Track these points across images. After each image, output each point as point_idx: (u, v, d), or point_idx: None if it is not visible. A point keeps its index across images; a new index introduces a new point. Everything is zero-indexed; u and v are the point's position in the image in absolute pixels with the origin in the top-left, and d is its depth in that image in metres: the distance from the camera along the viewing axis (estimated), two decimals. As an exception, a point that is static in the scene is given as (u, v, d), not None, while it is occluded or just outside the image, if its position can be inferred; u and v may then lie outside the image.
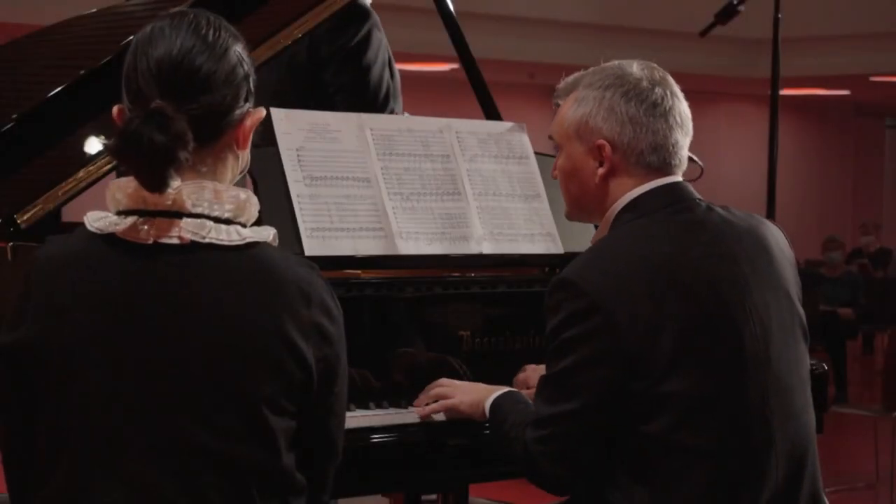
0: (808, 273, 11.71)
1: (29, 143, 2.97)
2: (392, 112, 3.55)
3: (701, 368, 2.29)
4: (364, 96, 3.50)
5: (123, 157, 1.85)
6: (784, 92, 6.13)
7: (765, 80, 6.03)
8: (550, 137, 2.56)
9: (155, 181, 1.85)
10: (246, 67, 1.97)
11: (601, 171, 2.45)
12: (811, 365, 3.08)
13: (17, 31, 3.79)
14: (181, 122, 1.84)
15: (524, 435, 2.37)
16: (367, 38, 3.53)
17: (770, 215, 4.92)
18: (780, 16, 4.91)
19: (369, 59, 3.53)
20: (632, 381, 2.27)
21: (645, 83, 2.44)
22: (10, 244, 2.72)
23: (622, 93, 2.43)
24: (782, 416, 2.36)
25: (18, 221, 2.75)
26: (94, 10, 3.49)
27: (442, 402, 2.65)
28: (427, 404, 2.68)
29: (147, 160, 1.83)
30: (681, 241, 2.37)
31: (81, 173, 2.80)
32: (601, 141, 2.44)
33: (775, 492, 2.34)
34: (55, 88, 3.00)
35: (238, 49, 1.96)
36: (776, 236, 2.49)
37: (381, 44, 3.57)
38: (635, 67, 2.46)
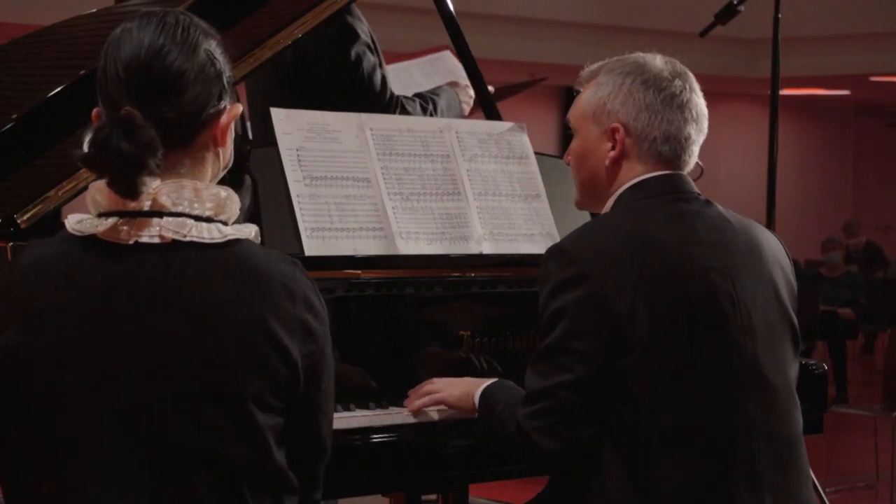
0: (808, 273, 11.71)
1: (29, 142, 2.96)
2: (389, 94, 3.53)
3: (682, 351, 2.31)
4: (360, 89, 3.49)
5: (93, 165, 1.84)
6: (784, 92, 6.13)
7: (765, 80, 6.02)
8: (567, 121, 2.59)
9: (126, 188, 1.83)
10: (218, 65, 1.93)
11: (612, 153, 2.48)
12: (811, 365, 3.09)
13: (17, 31, 3.79)
14: (149, 130, 1.82)
15: (516, 412, 2.38)
16: (344, 26, 3.52)
17: (770, 215, 4.91)
18: (779, 16, 4.90)
19: (356, 50, 3.51)
20: (616, 357, 2.29)
21: (665, 74, 2.49)
22: (10, 244, 2.72)
23: (642, 80, 2.47)
24: (765, 409, 2.37)
25: (18, 221, 2.74)
26: (94, 10, 3.49)
27: (431, 396, 2.66)
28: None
29: (116, 169, 1.81)
30: (676, 226, 2.40)
31: (81, 173, 2.79)
32: (616, 124, 2.48)
33: (757, 483, 2.33)
34: (55, 88, 3.00)
35: (209, 46, 1.93)
36: (771, 242, 2.51)
37: (356, 27, 3.55)
38: (658, 60, 2.51)
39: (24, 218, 2.75)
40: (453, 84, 3.73)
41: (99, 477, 1.82)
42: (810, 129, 17.69)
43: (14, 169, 2.93)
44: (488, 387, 2.55)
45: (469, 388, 2.59)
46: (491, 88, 3.75)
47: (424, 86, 3.86)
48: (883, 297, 11.84)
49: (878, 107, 17.79)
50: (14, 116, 2.98)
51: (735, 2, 4.97)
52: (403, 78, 4.02)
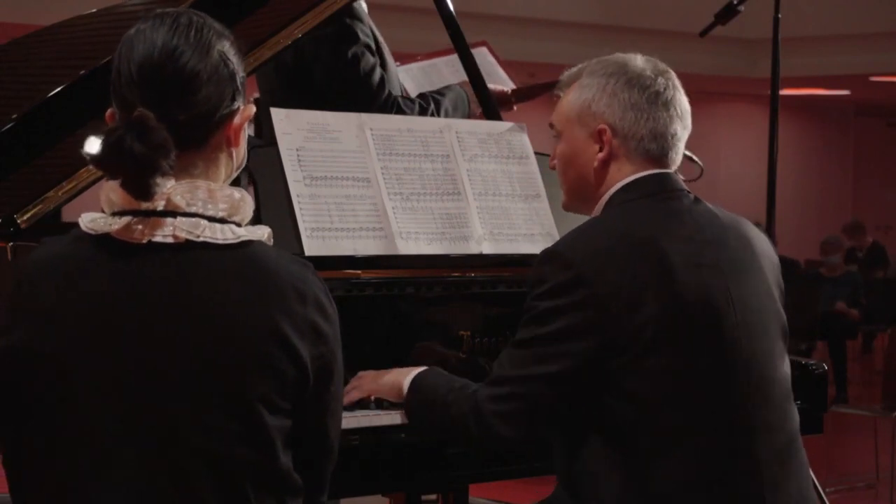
0: (809, 273, 11.71)
1: (29, 143, 2.96)
2: (389, 97, 3.52)
3: (680, 349, 2.32)
4: (357, 90, 3.49)
5: (106, 167, 1.84)
6: (784, 92, 6.13)
7: (765, 80, 6.02)
8: (551, 125, 2.59)
9: (138, 190, 1.83)
10: (231, 66, 1.94)
11: (601, 155, 2.48)
12: (811, 365, 3.09)
13: (17, 31, 3.79)
14: (161, 132, 1.82)
15: (475, 394, 2.38)
16: (343, 27, 3.51)
17: (770, 215, 4.90)
18: (779, 16, 4.90)
19: (353, 51, 3.51)
20: (610, 357, 2.29)
21: (648, 73, 2.49)
22: (10, 244, 2.72)
23: (625, 80, 2.47)
24: (762, 405, 2.38)
25: (18, 221, 2.74)
26: (94, 10, 3.49)
27: (359, 389, 2.63)
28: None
29: (129, 170, 1.82)
30: (668, 225, 2.41)
31: (81, 173, 2.79)
32: (602, 126, 2.47)
33: (758, 479, 2.34)
34: (55, 88, 3.00)
35: (222, 47, 1.93)
36: (759, 238, 2.53)
37: (355, 29, 3.53)
38: (639, 60, 2.51)
39: (24, 218, 2.75)
40: (466, 83, 3.71)
41: (100, 477, 1.82)
42: (810, 129, 17.69)
43: (14, 169, 2.94)
44: (421, 373, 2.55)
45: (398, 377, 2.58)
46: (509, 88, 3.73)
47: (451, 82, 3.84)
48: (883, 297, 11.83)
49: (878, 107, 17.79)
50: (14, 116, 2.98)
51: (735, 2, 4.97)
52: (432, 75, 4.01)
